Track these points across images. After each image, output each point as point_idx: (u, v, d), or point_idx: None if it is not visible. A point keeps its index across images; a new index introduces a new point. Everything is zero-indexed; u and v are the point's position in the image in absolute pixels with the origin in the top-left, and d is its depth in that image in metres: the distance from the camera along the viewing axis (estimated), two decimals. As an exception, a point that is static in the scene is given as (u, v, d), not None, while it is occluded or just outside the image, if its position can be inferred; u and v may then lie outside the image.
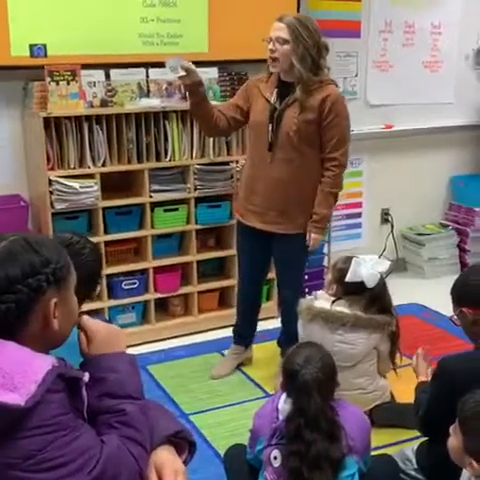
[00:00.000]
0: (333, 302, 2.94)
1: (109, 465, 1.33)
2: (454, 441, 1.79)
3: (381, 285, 2.94)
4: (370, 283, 2.90)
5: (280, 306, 3.48)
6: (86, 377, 1.41)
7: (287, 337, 3.34)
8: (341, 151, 3.06)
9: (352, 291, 2.92)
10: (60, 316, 1.42)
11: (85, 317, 1.54)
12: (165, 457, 1.47)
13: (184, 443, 1.54)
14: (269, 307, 4.03)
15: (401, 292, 4.39)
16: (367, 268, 2.90)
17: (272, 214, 3.12)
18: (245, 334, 3.51)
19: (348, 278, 2.89)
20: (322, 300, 2.98)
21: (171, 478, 1.42)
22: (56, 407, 1.31)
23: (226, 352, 3.55)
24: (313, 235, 3.11)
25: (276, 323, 3.57)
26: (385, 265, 2.98)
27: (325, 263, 4.41)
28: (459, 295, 2.27)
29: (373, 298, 2.92)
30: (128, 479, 1.36)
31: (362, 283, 2.90)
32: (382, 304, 2.95)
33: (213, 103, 3.22)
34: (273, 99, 3.04)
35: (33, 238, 1.46)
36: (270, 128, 3.02)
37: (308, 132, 2.99)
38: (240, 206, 3.27)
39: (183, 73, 2.90)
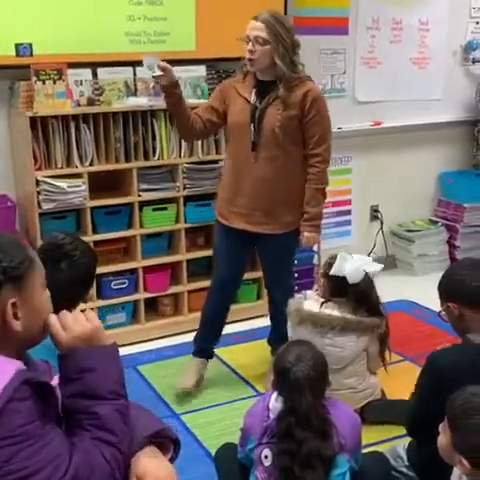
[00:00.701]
0: (322, 304, 2.92)
1: (80, 470, 1.30)
2: (443, 439, 1.79)
3: (367, 283, 2.91)
4: (352, 279, 2.88)
5: (269, 306, 3.43)
6: (55, 381, 1.37)
7: (277, 336, 3.33)
8: (324, 146, 3.05)
9: (338, 289, 2.91)
10: (24, 316, 1.37)
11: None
12: (147, 464, 1.42)
13: (168, 442, 1.51)
14: (259, 305, 4.02)
15: (391, 289, 4.38)
16: (352, 264, 2.89)
17: (258, 214, 3.08)
18: (209, 347, 3.37)
19: (332, 271, 2.89)
20: (311, 301, 2.97)
21: None
22: (21, 417, 1.26)
23: (188, 365, 3.34)
24: (307, 234, 3.08)
25: (266, 321, 3.55)
26: (375, 267, 2.97)
27: (315, 261, 4.41)
28: (445, 290, 2.28)
29: (359, 298, 2.90)
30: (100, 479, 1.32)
31: (347, 281, 2.89)
32: (369, 304, 2.93)
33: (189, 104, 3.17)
34: (253, 99, 3.00)
35: None
36: (252, 128, 2.98)
37: (291, 128, 2.97)
38: (223, 208, 3.19)
39: (160, 73, 2.86)
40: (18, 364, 1.32)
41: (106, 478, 1.34)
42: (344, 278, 2.89)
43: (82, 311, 1.50)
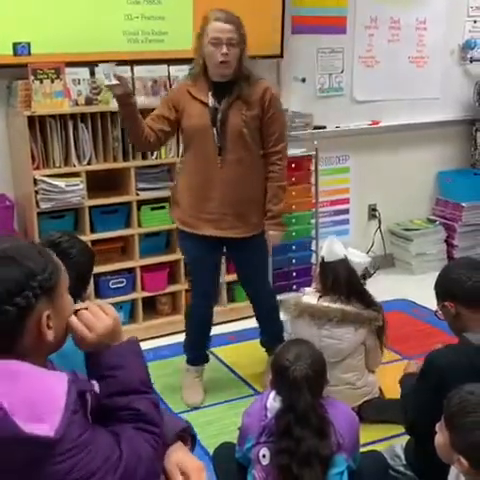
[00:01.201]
0: (319, 298, 2.94)
1: (129, 460, 1.35)
2: (441, 438, 1.79)
3: (345, 268, 2.93)
4: (327, 256, 2.95)
5: (254, 309, 3.37)
6: (96, 387, 1.40)
7: (270, 336, 3.32)
8: (283, 144, 3.04)
9: (321, 273, 2.98)
10: (55, 324, 1.39)
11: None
12: (183, 456, 1.55)
13: (187, 436, 1.62)
14: (250, 306, 4.02)
15: (389, 288, 4.42)
16: (338, 247, 2.95)
17: (229, 219, 3.01)
18: (203, 353, 3.36)
19: (322, 252, 2.98)
20: (309, 296, 2.98)
21: (196, 475, 1.53)
22: (78, 426, 1.30)
23: (188, 377, 3.33)
24: (272, 232, 3.05)
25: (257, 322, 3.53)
26: (363, 258, 3.00)
27: (313, 260, 4.41)
28: (441, 289, 2.28)
29: (337, 281, 2.92)
30: (146, 465, 1.39)
31: (335, 273, 2.92)
32: (354, 291, 2.94)
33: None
34: (211, 101, 2.92)
35: (13, 248, 1.39)
36: (215, 131, 2.92)
37: (254, 128, 2.96)
38: (188, 216, 3.06)
39: (115, 82, 2.75)
40: (65, 376, 1.34)
41: (151, 464, 1.41)
42: (326, 264, 2.94)
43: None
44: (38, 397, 1.27)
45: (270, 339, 3.32)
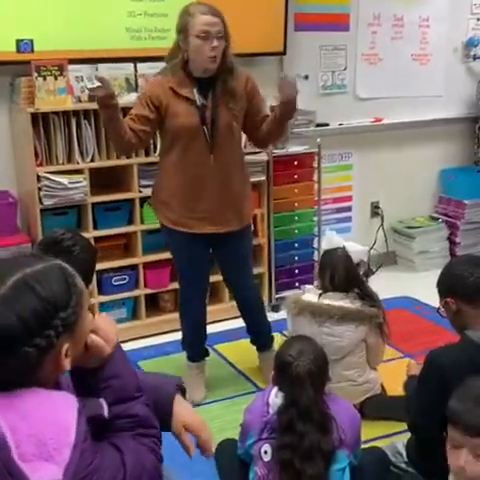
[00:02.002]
0: (320, 295, 2.94)
1: (134, 471, 1.35)
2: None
3: (342, 257, 2.96)
4: (326, 244, 2.98)
5: (241, 306, 3.35)
6: (105, 412, 1.37)
7: (260, 332, 3.36)
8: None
9: (320, 266, 3.01)
10: (72, 352, 1.32)
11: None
12: (186, 414, 1.64)
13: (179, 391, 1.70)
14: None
15: (392, 285, 4.42)
16: (337, 239, 2.99)
17: (224, 215, 2.99)
18: (201, 348, 3.36)
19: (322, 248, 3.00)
20: (310, 294, 2.99)
21: (204, 433, 1.66)
22: (88, 456, 1.25)
23: (189, 374, 3.30)
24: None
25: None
26: (359, 248, 3.03)
27: (315, 258, 4.41)
28: (443, 286, 2.29)
29: (335, 271, 2.94)
30: (151, 474, 1.40)
31: (334, 261, 2.95)
32: (355, 281, 2.96)
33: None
34: (198, 99, 2.86)
35: (36, 275, 1.25)
36: (206, 130, 2.87)
37: (241, 119, 2.97)
38: (179, 216, 3.00)
39: (98, 84, 2.66)
40: (75, 403, 1.27)
41: (155, 469, 1.42)
42: (324, 253, 3.00)
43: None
44: (47, 433, 1.20)
45: (262, 334, 3.34)
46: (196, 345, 3.35)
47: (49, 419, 1.22)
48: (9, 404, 1.22)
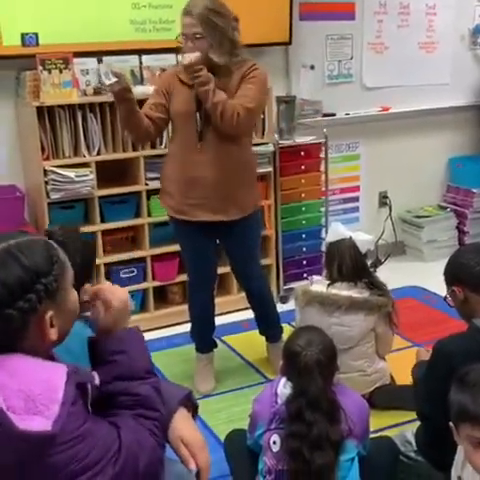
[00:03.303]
0: (328, 286, 2.94)
1: (130, 449, 1.36)
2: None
3: (349, 246, 2.94)
4: (330, 238, 3.00)
5: (249, 298, 3.36)
6: (97, 380, 1.41)
7: (269, 323, 3.35)
8: (251, 99, 2.85)
9: (327, 256, 3.02)
10: (58, 323, 1.38)
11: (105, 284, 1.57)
12: (186, 430, 1.58)
13: (190, 405, 1.66)
14: (268, 293, 4.02)
15: (400, 275, 4.41)
16: (343, 229, 2.99)
17: (215, 203, 2.97)
18: (209, 339, 3.37)
19: (327, 238, 3.05)
20: (318, 285, 2.98)
21: (201, 455, 1.57)
22: (77, 418, 1.30)
23: (198, 365, 3.35)
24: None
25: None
26: (365, 237, 3.01)
27: (323, 248, 4.40)
28: (450, 274, 2.29)
29: (342, 260, 2.93)
30: (150, 454, 1.40)
31: (341, 252, 2.95)
32: (363, 271, 2.96)
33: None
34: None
35: (18, 245, 1.35)
36: (198, 116, 2.89)
37: None
38: (177, 203, 3.03)
39: (114, 79, 2.73)
40: (64, 367, 1.34)
41: (153, 451, 1.42)
42: (330, 244, 2.98)
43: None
44: (35, 389, 1.26)
45: (271, 325, 3.34)
46: (204, 336, 3.36)
47: (37, 378, 1.28)
48: None
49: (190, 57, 2.76)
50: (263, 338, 3.47)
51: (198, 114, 2.90)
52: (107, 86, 2.84)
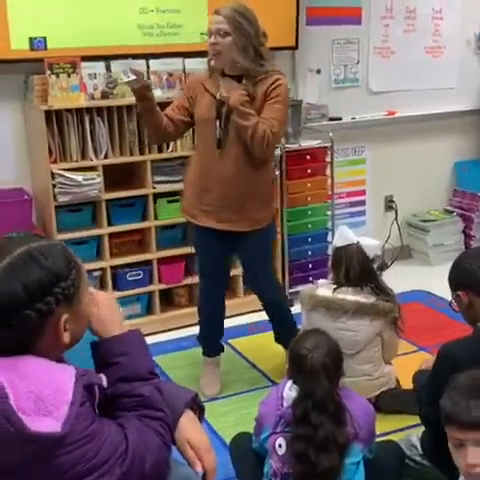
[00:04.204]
0: (334, 290, 2.94)
1: (137, 450, 1.37)
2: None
3: (357, 252, 2.94)
4: (338, 242, 2.98)
5: (264, 307, 3.36)
6: (104, 382, 1.42)
7: (284, 332, 3.30)
8: (278, 123, 2.87)
9: (334, 260, 3.00)
10: (71, 327, 1.41)
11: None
12: (193, 432, 1.58)
13: (196, 408, 1.66)
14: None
15: (406, 279, 4.41)
16: (350, 233, 2.97)
17: (227, 212, 2.99)
18: (217, 343, 3.37)
19: (334, 241, 3.04)
20: (324, 288, 2.99)
21: (208, 457, 1.56)
22: (85, 419, 1.32)
23: (205, 368, 3.35)
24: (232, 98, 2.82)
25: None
26: (373, 242, 3.01)
27: (329, 252, 4.40)
28: (454, 279, 2.29)
29: (350, 266, 2.93)
30: (156, 454, 1.42)
31: (348, 257, 2.94)
32: (371, 276, 2.95)
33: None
34: (219, 94, 2.89)
35: (40, 249, 1.37)
36: (218, 124, 2.90)
37: None
38: (191, 206, 3.08)
39: (133, 77, 2.79)
40: (73, 369, 1.36)
41: (159, 451, 1.43)
42: (338, 248, 2.97)
43: None
44: (45, 390, 1.28)
45: (286, 334, 3.33)
46: (210, 340, 3.36)
47: (47, 380, 1.30)
48: (9, 366, 1.31)
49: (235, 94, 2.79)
50: (268, 341, 3.46)
51: (218, 122, 2.91)
52: (124, 83, 2.87)
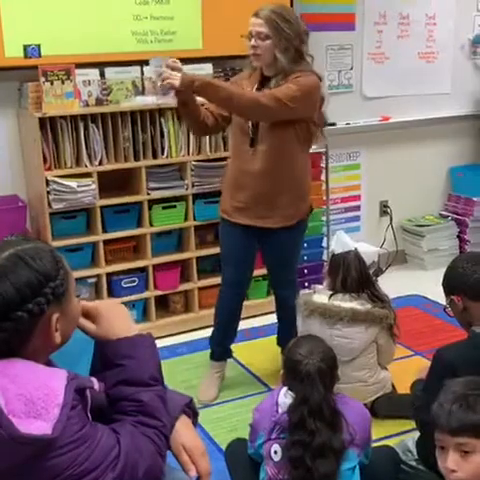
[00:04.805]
0: (330, 296, 2.94)
1: (130, 455, 1.37)
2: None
3: (355, 259, 2.94)
4: (336, 248, 2.99)
5: (276, 306, 3.39)
6: (96, 385, 1.41)
7: (287, 337, 3.30)
8: (280, 91, 2.82)
9: (331, 267, 3.00)
10: (62, 326, 1.41)
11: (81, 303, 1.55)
12: (188, 437, 1.58)
13: (189, 412, 1.66)
14: (269, 302, 4.01)
15: (401, 284, 4.42)
16: (348, 239, 2.99)
17: (259, 208, 3.04)
18: (227, 347, 3.37)
19: (331, 247, 3.04)
20: (320, 295, 2.99)
21: (202, 461, 1.57)
22: (76, 422, 1.31)
23: (208, 372, 3.34)
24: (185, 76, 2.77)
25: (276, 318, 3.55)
26: (370, 249, 3.01)
27: (325, 257, 4.41)
28: (448, 284, 2.30)
29: (347, 274, 2.93)
30: (149, 460, 1.41)
31: (346, 263, 2.94)
32: (368, 284, 2.95)
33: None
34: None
35: (27, 251, 1.39)
36: (250, 122, 2.96)
37: (287, 119, 2.92)
38: (226, 204, 3.15)
39: (169, 72, 2.76)
40: (64, 372, 1.36)
41: (153, 458, 1.42)
42: (336, 255, 2.97)
43: None
44: (36, 393, 1.28)
45: (286, 338, 3.31)
46: (220, 341, 3.34)
47: (38, 382, 1.30)
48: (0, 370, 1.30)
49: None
50: (265, 347, 3.46)
51: (250, 121, 2.96)
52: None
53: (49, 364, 1.45)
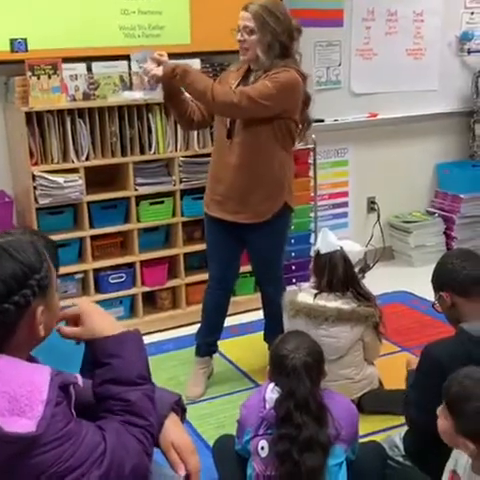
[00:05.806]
0: (316, 295, 2.94)
1: (116, 453, 1.36)
2: (444, 424, 1.79)
3: (340, 259, 2.93)
4: (321, 248, 2.96)
5: (263, 302, 3.38)
6: (80, 381, 1.41)
7: (274, 333, 3.31)
8: (252, 88, 2.83)
9: (316, 267, 2.98)
10: (46, 319, 1.41)
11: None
12: (178, 434, 1.57)
13: (178, 409, 1.65)
14: (256, 298, 4.00)
15: (389, 280, 4.44)
16: (333, 238, 2.97)
17: (233, 203, 3.02)
18: (212, 342, 3.36)
19: (316, 245, 3.02)
20: (305, 293, 2.98)
21: (192, 460, 1.55)
22: (61, 419, 1.30)
23: (195, 368, 3.33)
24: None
25: (262, 314, 3.55)
26: (355, 248, 3.01)
27: (312, 253, 4.41)
28: (437, 280, 2.31)
29: (333, 273, 2.92)
30: (136, 458, 1.40)
31: (332, 264, 2.93)
32: (353, 283, 2.95)
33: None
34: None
35: (11, 243, 1.39)
36: None
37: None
38: (207, 197, 3.16)
39: (154, 65, 2.78)
40: (48, 368, 1.35)
41: (139, 457, 1.41)
42: (321, 255, 2.95)
43: None
44: (19, 390, 1.27)
45: (272, 334, 3.31)
46: (205, 336, 3.33)
47: (21, 379, 1.29)
48: None
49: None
50: (252, 343, 3.46)
51: None
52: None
53: (32, 360, 1.44)
